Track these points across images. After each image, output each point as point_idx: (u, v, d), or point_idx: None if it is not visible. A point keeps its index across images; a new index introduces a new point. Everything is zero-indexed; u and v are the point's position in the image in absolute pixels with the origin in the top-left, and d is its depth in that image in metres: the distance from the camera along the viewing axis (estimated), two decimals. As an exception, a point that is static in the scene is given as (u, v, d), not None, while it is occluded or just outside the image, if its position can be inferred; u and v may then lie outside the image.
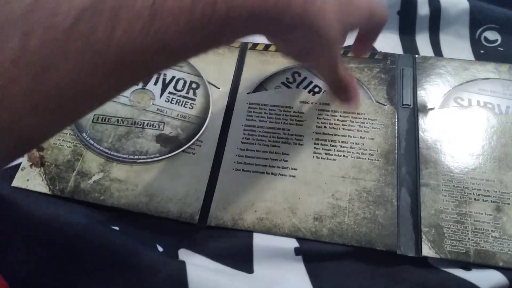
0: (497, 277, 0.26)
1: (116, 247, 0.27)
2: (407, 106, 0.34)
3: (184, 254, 0.28)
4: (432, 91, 0.34)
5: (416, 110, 0.33)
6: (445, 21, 0.39)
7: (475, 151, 0.31)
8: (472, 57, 0.38)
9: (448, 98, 0.34)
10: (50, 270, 0.27)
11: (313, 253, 0.28)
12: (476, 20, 0.39)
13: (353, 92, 0.29)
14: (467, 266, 0.27)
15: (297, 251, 0.28)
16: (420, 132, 0.32)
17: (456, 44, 0.39)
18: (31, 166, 0.32)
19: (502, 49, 0.38)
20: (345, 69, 0.27)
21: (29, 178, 0.31)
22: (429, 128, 0.32)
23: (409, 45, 0.39)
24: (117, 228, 0.29)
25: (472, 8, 0.38)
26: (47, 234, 0.28)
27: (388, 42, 0.39)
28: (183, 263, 0.26)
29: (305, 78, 0.36)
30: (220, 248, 0.28)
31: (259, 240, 0.28)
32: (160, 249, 0.28)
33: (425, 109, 0.33)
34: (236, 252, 0.28)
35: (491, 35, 0.38)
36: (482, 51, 0.38)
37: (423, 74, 0.35)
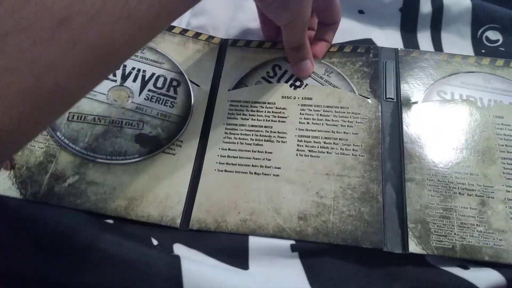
0: (495, 276, 0.25)
1: (109, 241, 0.26)
2: (390, 100, 0.33)
3: (179, 249, 0.28)
4: (415, 85, 0.34)
5: (399, 104, 0.33)
6: (447, 20, 0.39)
7: (459, 145, 0.31)
8: None
9: (431, 91, 0.33)
10: (39, 263, 0.26)
11: (310, 249, 0.27)
12: (478, 20, 0.38)
13: (309, 54, 0.34)
14: (465, 265, 0.27)
15: (294, 248, 0.27)
16: (404, 127, 0.32)
17: (457, 43, 0.38)
18: None
19: (503, 49, 0.37)
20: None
21: None
22: (413, 122, 0.32)
23: (410, 43, 0.38)
24: (111, 221, 0.28)
25: (474, 7, 0.38)
26: (38, 228, 0.27)
27: (389, 39, 0.38)
28: (177, 258, 0.26)
29: (286, 72, 0.35)
30: (216, 244, 0.28)
31: (255, 238, 0.28)
32: (155, 242, 0.28)
33: (408, 103, 0.33)
34: (232, 248, 0.28)
35: (493, 35, 0.38)
36: (483, 51, 0.37)
37: (406, 68, 0.35)
